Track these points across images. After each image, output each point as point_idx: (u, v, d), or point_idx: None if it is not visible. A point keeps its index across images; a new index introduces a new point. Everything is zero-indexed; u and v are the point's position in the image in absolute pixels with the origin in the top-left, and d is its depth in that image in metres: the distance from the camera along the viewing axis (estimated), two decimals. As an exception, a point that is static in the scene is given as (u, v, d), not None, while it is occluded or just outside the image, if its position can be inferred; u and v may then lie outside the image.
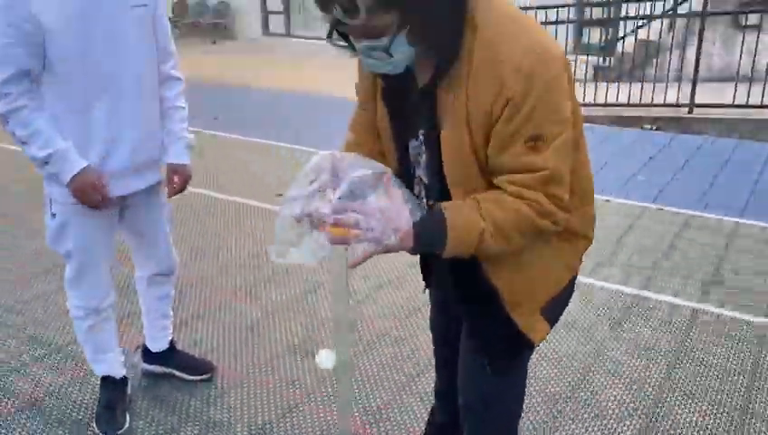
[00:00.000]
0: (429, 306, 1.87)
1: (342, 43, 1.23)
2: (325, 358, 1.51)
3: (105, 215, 2.12)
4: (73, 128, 1.97)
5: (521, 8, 6.62)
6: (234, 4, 13.98)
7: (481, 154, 1.25)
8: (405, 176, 1.40)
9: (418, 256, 1.63)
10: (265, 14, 14.00)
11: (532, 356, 1.61)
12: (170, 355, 2.60)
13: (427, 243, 1.24)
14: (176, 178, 2.24)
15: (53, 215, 2.11)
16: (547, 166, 1.20)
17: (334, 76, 6.66)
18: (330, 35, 1.22)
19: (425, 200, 1.43)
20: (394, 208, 1.21)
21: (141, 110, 2.08)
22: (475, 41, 1.19)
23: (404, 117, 1.38)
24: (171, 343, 2.61)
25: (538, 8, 7.35)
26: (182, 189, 2.27)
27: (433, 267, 1.65)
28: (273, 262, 1.30)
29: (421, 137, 1.36)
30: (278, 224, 1.26)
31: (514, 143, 1.19)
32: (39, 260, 3.61)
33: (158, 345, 2.57)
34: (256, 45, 13.00)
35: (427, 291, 1.76)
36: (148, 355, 2.61)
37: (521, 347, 1.49)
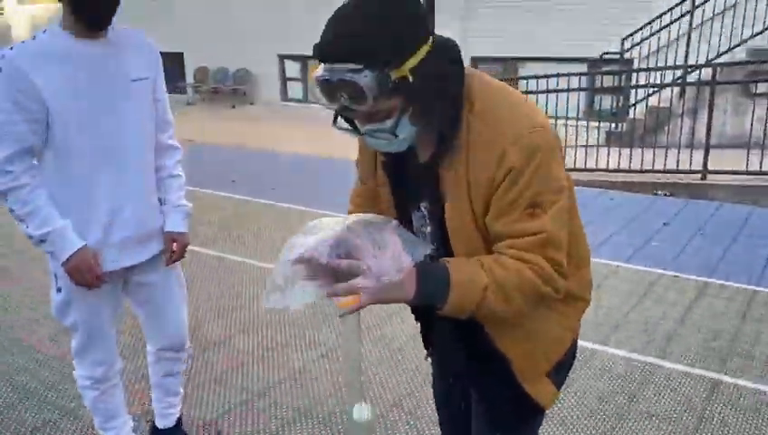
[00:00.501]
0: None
1: (347, 126, 1.30)
2: (359, 412, 1.50)
3: (109, 288, 2.12)
4: (75, 201, 1.98)
5: (534, 77, 6.82)
6: (253, 71, 14.44)
7: (481, 223, 1.30)
8: None
9: (419, 326, 1.66)
10: (284, 80, 14.42)
11: (544, 424, 1.60)
12: (176, 434, 2.55)
13: (429, 291, 1.25)
14: (174, 246, 2.23)
15: (59, 289, 2.11)
16: (545, 229, 1.25)
17: (349, 141, 6.78)
18: (335, 122, 1.28)
19: None
20: (396, 250, 1.24)
21: (143, 180, 2.10)
22: (471, 115, 1.26)
23: (406, 189, 1.43)
24: (178, 420, 2.55)
25: (550, 76, 7.53)
26: (180, 257, 2.26)
27: (434, 336, 1.67)
28: (265, 307, 1.31)
29: (423, 210, 1.41)
30: (275, 269, 1.28)
31: (514, 211, 1.25)
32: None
33: (164, 422, 2.53)
34: (275, 110, 13.34)
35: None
36: (155, 431, 2.56)
37: (531, 412, 1.50)
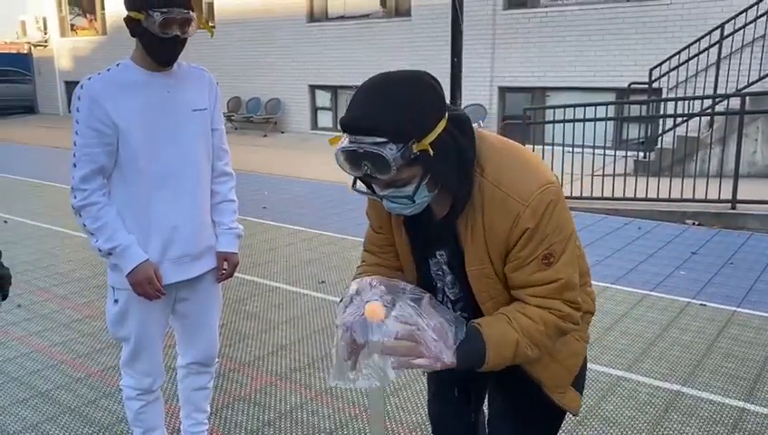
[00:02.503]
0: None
1: (365, 190, 1.42)
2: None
3: (162, 302, 2.26)
4: (137, 218, 2.16)
5: (563, 106, 6.90)
6: (284, 101, 14.75)
7: (500, 271, 1.45)
8: (426, 287, 1.54)
9: None
10: (314, 110, 14.70)
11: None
12: None
13: (469, 364, 1.39)
14: (225, 265, 2.40)
15: (116, 301, 2.25)
16: (560, 277, 1.39)
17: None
18: (354, 186, 1.40)
19: (451, 309, 1.61)
20: (444, 330, 1.37)
21: (199, 202, 2.27)
22: (483, 178, 1.40)
23: (421, 240, 1.56)
24: None
25: (578, 105, 7.58)
26: (230, 275, 2.43)
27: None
28: (334, 384, 1.46)
29: (439, 257, 1.55)
30: (335, 351, 1.43)
31: (530, 263, 1.39)
32: (93, 340, 3.77)
33: None
34: (305, 139, 13.59)
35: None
36: None
37: (559, 417, 1.70)
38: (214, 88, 2.31)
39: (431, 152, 1.27)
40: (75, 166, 2.09)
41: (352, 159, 1.27)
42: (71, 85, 19.94)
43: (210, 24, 14.76)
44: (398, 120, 1.24)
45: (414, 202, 1.35)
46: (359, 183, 1.40)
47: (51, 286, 4.83)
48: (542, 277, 1.39)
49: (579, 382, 1.64)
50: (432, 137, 1.28)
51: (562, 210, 1.40)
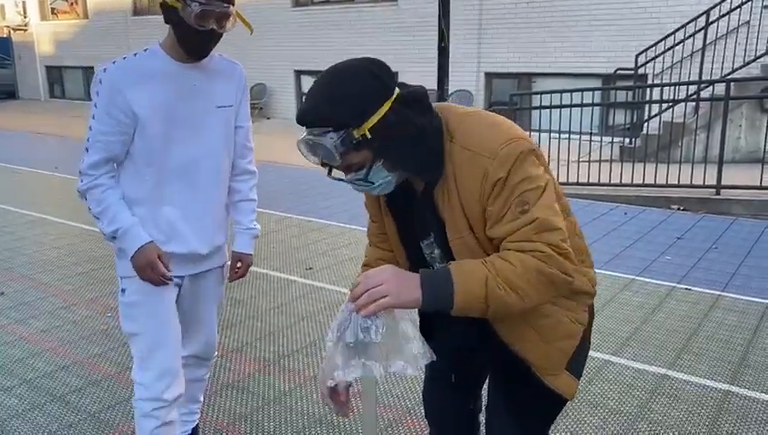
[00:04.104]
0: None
1: (337, 176, 1.48)
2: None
3: (171, 293, 2.15)
4: (145, 211, 2.07)
5: (548, 92, 6.92)
6: (269, 86, 14.64)
7: (483, 237, 1.44)
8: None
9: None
10: (300, 96, 14.60)
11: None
12: None
13: (434, 289, 1.36)
14: (238, 265, 2.33)
15: (123, 291, 2.14)
16: (536, 216, 1.37)
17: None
18: (329, 173, 1.48)
19: None
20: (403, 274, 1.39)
21: (213, 200, 2.18)
22: (452, 145, 1.43)
23: (411, 219, 1.56)
24: (194, 429, 2.55)
25: (564, 91, 7.59)
26: (243, 276, 2.37)
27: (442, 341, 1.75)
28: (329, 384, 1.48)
29: (431, 237, 1.55)
30: (329, 351, 1.45)
31: (506, 215, 1.38)
32: (104, 339, 3.74)
33: (182, 428, 2.49)
34: (291, 125, 13.49)
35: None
36: None
37: (554, 402, 1.63)
38: (243, 84, 2.21)
39: (369, 136, 1.34)
40: (87, 151, 2.00)
41: (307, 149, 1.39)
42: (52, 70, 19.65)
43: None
44: (335, 110, 1.34)
45: (373, 183, 1.42)
46: (334, 171, 1.46)
47: (34, 274, 4.77)
48: (517, 224, 1.37)
49: (575, 367, 1.59)
50: (374, 121, 1.34)
51: (530, 163, 1.39)
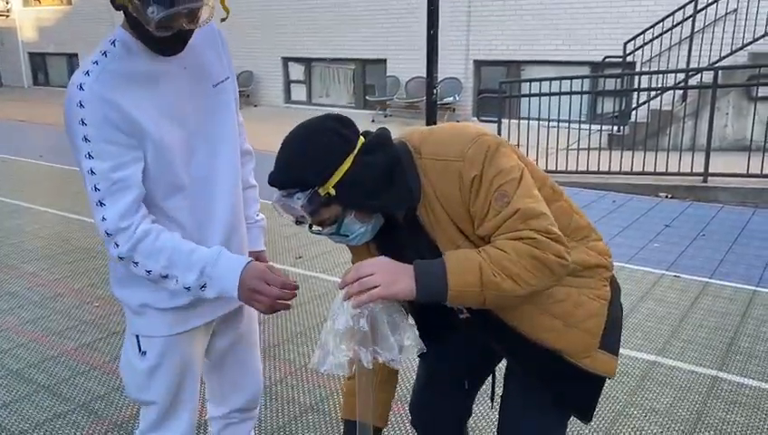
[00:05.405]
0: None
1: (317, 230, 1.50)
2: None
3: (200, 346, 1.76)
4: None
5: (537, 80, 6.93)
6: (257, 73, 14.51)
7: (476, 240, 1.44)
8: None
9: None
10: (287, 83, 14.50)
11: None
12: None
13: (427, 280, 1.36)
14: None
15: (143, 353, 1.67)
16: (517, 207, 1.37)
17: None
18: (310, 228, 1.49)
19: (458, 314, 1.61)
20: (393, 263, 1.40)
21: (235, 208, 1.74)
22: (422, 160, 1.44)
23: (401, 250, 1.50)
24: None
25: (553, 79, 7.58)
26: None
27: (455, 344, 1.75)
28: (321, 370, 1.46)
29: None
30: (322, 337, 1.45)
31: (489, 210, 1.39)
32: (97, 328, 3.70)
33: None
34: (278, 112, 13.40)
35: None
36: None
37: (594, 386, 1.61)
38: (224, 43, 1.72)
39: (334, 193, 1.37)
40: (103, 204, 1.47)
41: (281, 208, 1.44)
42: (35, 57, 19.37)
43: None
44: (299, 172, 1.39)
45: (347, 236, 1.46)
46: (314, 226, 1.49)
47: (20, 263, 4.72)
48: (502, 217, 1.38)
49: (609, 343, 1.55)
50: (338, 177, 1.37)
51: (504, 156, 1.41)
